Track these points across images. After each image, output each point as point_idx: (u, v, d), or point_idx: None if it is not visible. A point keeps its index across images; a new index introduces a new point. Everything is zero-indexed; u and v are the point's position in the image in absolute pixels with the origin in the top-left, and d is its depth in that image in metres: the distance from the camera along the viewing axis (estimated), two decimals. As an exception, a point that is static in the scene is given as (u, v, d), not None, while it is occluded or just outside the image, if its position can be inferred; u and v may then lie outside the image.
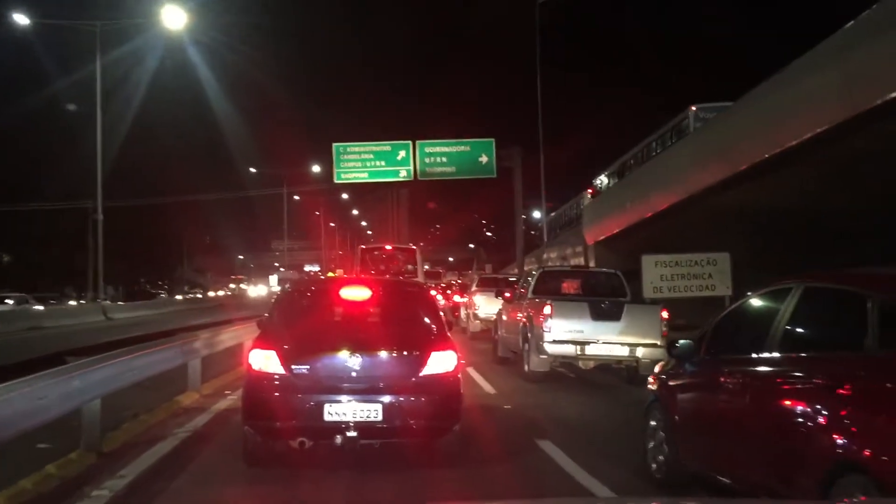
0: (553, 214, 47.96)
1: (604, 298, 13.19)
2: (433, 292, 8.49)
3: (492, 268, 55.61)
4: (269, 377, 6.52)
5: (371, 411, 6.37)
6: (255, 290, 77.88)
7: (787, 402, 4.73)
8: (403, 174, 32.92)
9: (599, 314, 12.34)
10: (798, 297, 4.98)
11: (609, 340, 12.26)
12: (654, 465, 6.34)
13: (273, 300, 7.84)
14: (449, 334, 7.12)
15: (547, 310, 12.33)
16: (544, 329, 12.25)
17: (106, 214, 38.32)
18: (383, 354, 6.67)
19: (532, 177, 35.05)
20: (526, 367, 12.80)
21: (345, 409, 6.36)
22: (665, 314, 12.48)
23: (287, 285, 8.35)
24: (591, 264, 28.29)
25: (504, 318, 15.62)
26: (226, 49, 40.06)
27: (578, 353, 12.32)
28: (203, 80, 42.20)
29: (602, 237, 28.24)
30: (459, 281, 39.95)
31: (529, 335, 12.81)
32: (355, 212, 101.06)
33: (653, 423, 6.47)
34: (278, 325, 7.06)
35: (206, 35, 35.84)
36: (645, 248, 17.82)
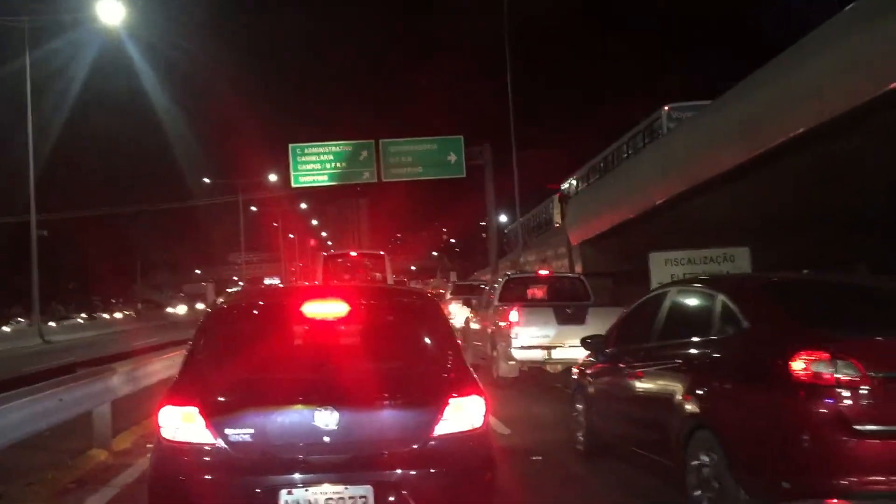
0: (521, 219, 46.03)
1: (569, 303, 13.35)
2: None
3: (456, 275, 53.48)
4: (189, 450, 4.08)
5: (356, 498, 4.01)
6: (180, 308, 68.93)
7: (660, 380, 6.00)
8: (366, 176, 30.61)
9: (565, 319, 12.60)
10: (672, 298, 6.43)
11: (575, 344, 11.53)
12: (579, 438, 7.72)
13: (199, 323, 4.87)
14: (471, 368, 4.69)
15: (513, 316, 12.69)
16: (511, 335, 12.63)
17: (49, 228, 35.35)
18: (373, 406, 4.23)
19: (500, 180, 33.06)
20: (495, 374, 13.03)
21: (314, 497, 3.99)
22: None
23: (220, 299, 5.33)
24: (577, 266, 26.33)
25: (472, 325, 15.88)
26: (170, 48, 37.24)
27: (545, 357, 12.61)
28: (146, 81, 39.32)
29: (589, 237, 26.18)
30: (432, 291, 37.79)
31: (497, 342, 13.24)
32: (315, 222, 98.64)
33: (577, 405, 7.85)
34: (205, 363, 4.52)
35: (148, 32, 33.03)
36: (641, 246, 15.98)
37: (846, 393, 4.45)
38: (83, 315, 60.48)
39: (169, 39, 37.00)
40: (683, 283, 6.92)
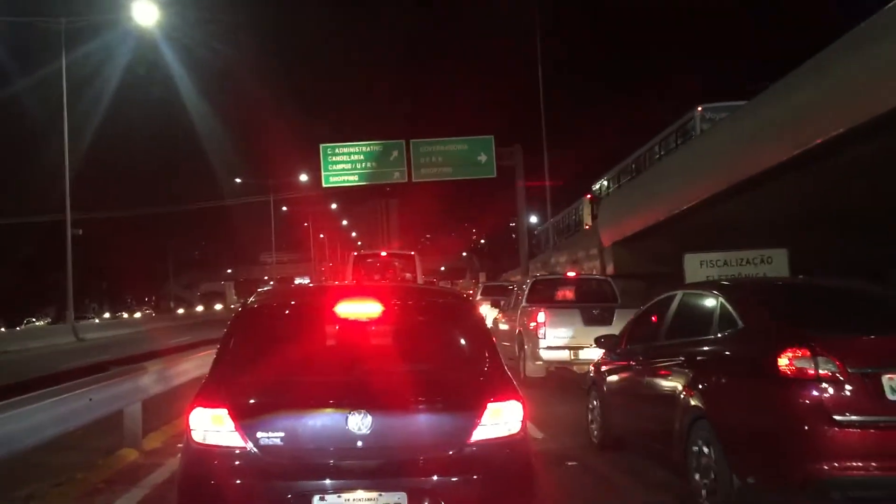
0: (551, 220, 45.73)
1: (595, 304, 13.54)
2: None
3: (486, 276, 53.36)
4: (219, 453, 3.97)
5: None
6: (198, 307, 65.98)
7: (666, 376, 6.51)
8: (397, 176, 30.55)
9: (591, 320, 12.80)
10: (678, 301, 6.95)
11: None
12: (594, 433, 8.18)
13: (229, 323, 4.76)
14: (508, 373, 4.51)
15: (541, 317, 13.00)
16: (539, 336, 12.92)
17: (83, 227, 35.66)
18: (407, 410, 4.08)
19: (533, 180, 32.86)
20: (522, 374, 13.14)
21: (346, 503, 3.89)
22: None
23: (251, 298, 5.16)
24: (609, 268, 26.08)
25: (500, 325, 16.08)
26: (203, 48, 37.44)
27: (572, 357, 12.80)
28: (180, 82, 39.60)
29: (621, 238, 25.90)
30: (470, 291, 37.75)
31: (525, 342, 13.48)
32: (345, 222, 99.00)
33: (592, 401, 8.28)
34: (235, 364, 4.39)
35: (181, 33, 33.23)
36: (674, 247, 15.71)
37: (826, 386, 4.94)
38: (104, 315, 60.76)
39: (202, 39, 37.15)
40: (689, 287, 7.78)
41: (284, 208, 70.88)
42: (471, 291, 26.93)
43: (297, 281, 74.28)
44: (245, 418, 3.99)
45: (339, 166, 30.52)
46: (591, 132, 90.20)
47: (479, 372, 4.38)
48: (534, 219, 55.01)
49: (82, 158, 37.17)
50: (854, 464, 4.85)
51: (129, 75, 35.77)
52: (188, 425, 4.10)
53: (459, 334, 4.65)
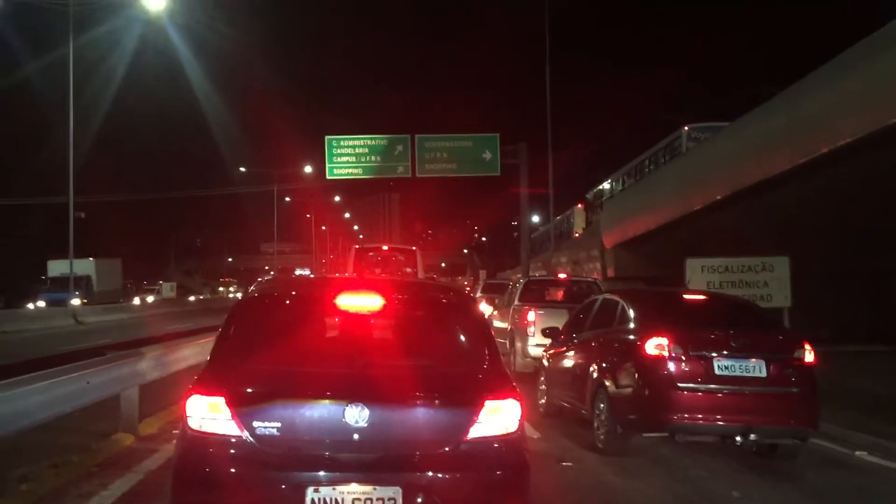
0: (555, 220, 45.83)
1: None
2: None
3: (486, 273, 53.30)
4: (214, 441, 3.96)
5: (384, 500, 3.86)
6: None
7: (582, 357, 8.88)
8: (401, 170, 30.37)
9: None
10: (599, 303, 9.31)
11: None
12: (541, 403, 10.16)
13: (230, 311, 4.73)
14: (508, 371, 4.53)
15: (531, 316, 13.80)
16: (529, 333, 13.70)
17: (86, 211, 35.68)
18: (405, 404, 4.08)
19: (533, 180, 32.77)
20: (512, 368, 13.69)
21: (340, 496, 3.85)
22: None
23: (251, 288, 5.10)
24: (610, 270, 26.09)
25: (494, 322, 16.66)
26: (212, 33, 37.29)
27: None
28: (187, 68, 39.57)
29: (623, 240, 25.89)
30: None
31: (516, 339, 14.37)
32: (347, 215, 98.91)
33: (541, 378, 10.43)
34: (234, 353, 4.36)
35: (190, 17, 33.16)
36: (675, 252, 15.70)
37: (673, 364, 7.33)
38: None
39: (210, 25, 36.98)
40: (607, 293, 10.07)
41: (287, 199, 70.90)
42: (467, 284, 26.96)
43: (298, 272, 74.26)
44: (242, 407, 3.98)
45: (344, 159, 30.40)
46: (597, 133, 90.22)
47: (478, 369, 4.36)
48: (536, 218, 54.98)
49: (89, 143, 37.11)
50: (691, 416, 7.23)
51: (137, 60, 35.77)
52: (185, 412, 4.09)
53: (460, 331, 4.62)
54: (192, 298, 62.61)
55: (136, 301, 49.47)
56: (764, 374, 7.28)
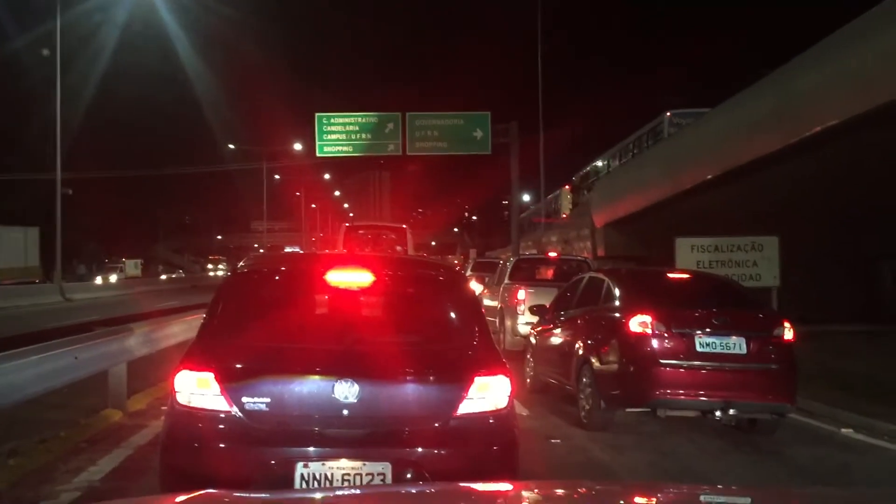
0: (545, 199, 45.86)
1: None
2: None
3: (476, 252, 53.27)
4: (203, 416, 3.94)
5: (373, 475, 3.85)
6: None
7: (568, 334, 9.07)
8: (391, 148, 30.31)
9: None
10: (585, 282, 9.45)
11: None
12: (528, 379, 10.31)
13: (218, 287, 4.70)
14: (497, 347, 4.54)
15: (521, 294, 13.87)
16: (518, 312, 13.75)
17: (74, 188, 35.40)
18: (395, 380, 4.06)
19: (524, 161, 32.74)
20: (502, 346, 13.77)
21: (330, 472, 3.85)
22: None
23: (241, 264, 5.06)
24: (600, 249, 26.12)
25: (484, 301, 16.73)
26: (201, 9, 36.80)
27: None
28: (178, 45, 39.12)
29: (613, 219, 25.91)
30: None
31: (506, 317, 14.43)
32: (337, 193, 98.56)
33: (528, 356, 10.56)
34: (223, 329, 4.32)
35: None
36: (666, 231, 15.74)
37: (656, 341, 7.49)
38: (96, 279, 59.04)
39: (201, 1, 36.51)
40: (593, 272, 10.23)
41: (277, 177, 70.53)
42: (457, 263, 26.93)
43: (288, 250, 74.04)
44: (231, 382, 3.96)
45: (334, 136, 30.27)
46: (588, 114, 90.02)
47: (468, 345, 4.35)
48: (526, 197, 54.93)
49: (78, 120, 36.75)
50: (672, 391, 7.37)
51: (126, 37, 35.35)
52: (173, 388, 4.07)
53: (450, 307, 4.61)
54: (163, 277, 62.16)
55: (99, 280, 49.08)
56: (744, 351, 7.43)
